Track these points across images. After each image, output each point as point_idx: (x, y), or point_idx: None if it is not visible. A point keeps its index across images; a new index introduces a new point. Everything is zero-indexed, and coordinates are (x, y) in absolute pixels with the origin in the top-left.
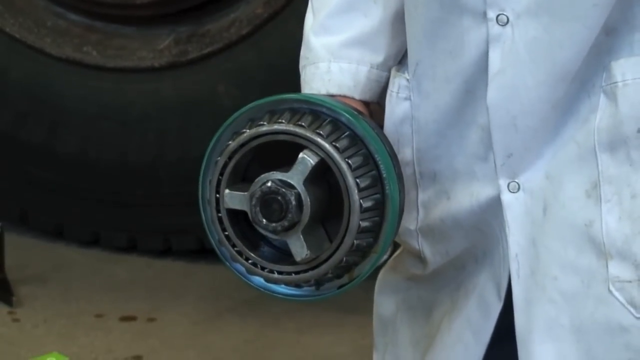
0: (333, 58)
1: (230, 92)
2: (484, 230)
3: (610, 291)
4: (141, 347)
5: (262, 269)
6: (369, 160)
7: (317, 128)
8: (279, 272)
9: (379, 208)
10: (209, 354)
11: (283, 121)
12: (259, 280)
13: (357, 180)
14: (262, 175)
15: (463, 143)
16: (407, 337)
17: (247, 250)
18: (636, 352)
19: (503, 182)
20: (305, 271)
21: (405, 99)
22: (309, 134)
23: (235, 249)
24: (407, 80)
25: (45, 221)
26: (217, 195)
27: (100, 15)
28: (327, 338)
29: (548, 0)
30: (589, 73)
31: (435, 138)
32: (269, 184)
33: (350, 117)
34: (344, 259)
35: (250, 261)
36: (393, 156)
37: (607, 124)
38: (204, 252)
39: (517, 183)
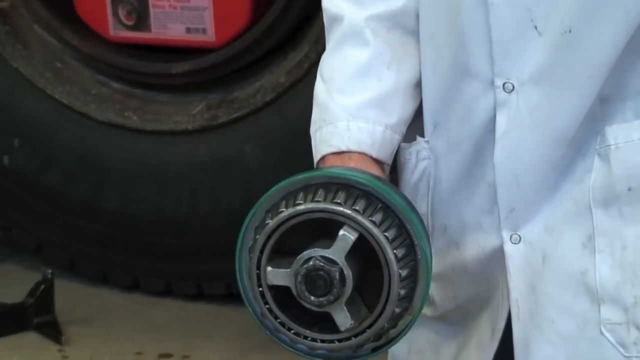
0: (352, 118)
1: (256, 153)
2: (488, 277)
3: (602, 332)
4: None
5: (305, 338)
6: (402, 230)
7: (352, 204)
8: (322, 341)
9: (414, 274)
10: None
11: (320, 199)
12: (301, 346)
13: (395, 251)
14: (304, 253)
15: (472, 198)
16: None
17: (290, 322)
18: None
19: (506, 234)
20: (348, 339)
21: (424, 159)
22: (347, 211)
23: (278, 320)
24: (426, 142)
25: (91, 268)
26: (258, 272)
27: (139, 84)
28: None
29: (549, 71)
30: (584, 137)
31: (447, 194)
32: (313, 261)
33: (380, 190)
34: (385, 325)
35: (292, 331)
36: (421, 221)
37: (601, 183)
38: (232, 296)
39: (519, 235)
